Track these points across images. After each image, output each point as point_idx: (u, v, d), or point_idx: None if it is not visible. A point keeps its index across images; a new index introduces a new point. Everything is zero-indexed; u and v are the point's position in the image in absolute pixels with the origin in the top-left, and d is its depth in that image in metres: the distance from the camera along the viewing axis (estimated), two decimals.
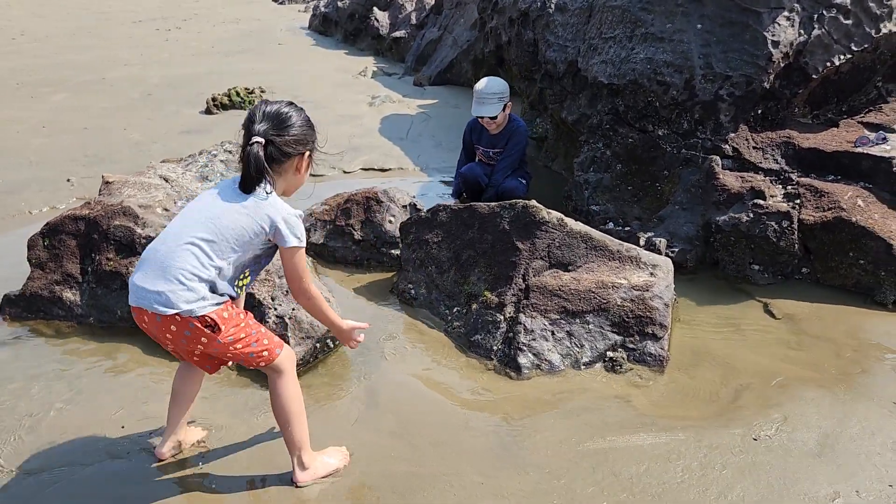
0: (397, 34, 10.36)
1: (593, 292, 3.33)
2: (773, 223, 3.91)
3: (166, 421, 2.71)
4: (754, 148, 4.32)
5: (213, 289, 2.38)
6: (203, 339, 2.36)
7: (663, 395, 3.06)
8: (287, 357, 2.57)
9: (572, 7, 5.56)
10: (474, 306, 3.47)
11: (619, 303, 3.31)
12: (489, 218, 3.61)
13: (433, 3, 10.17)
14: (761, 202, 3.98)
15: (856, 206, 3.84)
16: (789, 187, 4.12)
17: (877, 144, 4.08)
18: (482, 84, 4.88)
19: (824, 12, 4.26)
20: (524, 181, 5.19)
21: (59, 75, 9.34)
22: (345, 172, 5.99)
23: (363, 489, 2.53)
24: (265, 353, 2.49)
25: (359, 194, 4.41)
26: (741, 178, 4.21)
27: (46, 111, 7.71)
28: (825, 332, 3.50)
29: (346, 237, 4.30)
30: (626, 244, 3.52)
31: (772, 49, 4.24)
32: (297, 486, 2.54)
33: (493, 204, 3.64)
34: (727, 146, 4.33)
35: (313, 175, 5.84)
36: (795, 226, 3.89)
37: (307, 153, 2.52)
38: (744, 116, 4.37)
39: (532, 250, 3.45)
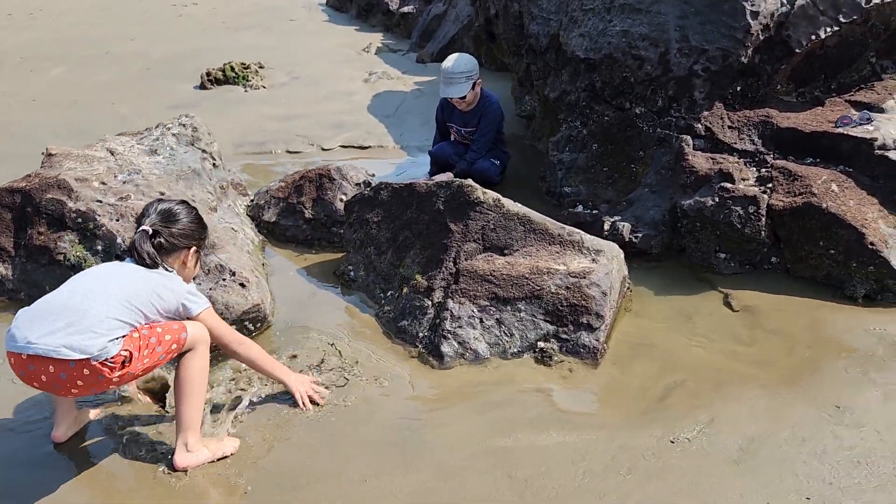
0: (405, 9, 10.13)
1: (527, 278, 3.13)
2: (738, 208, 3.64)
3: (54, 404, 2.62)
4: (730, 127, 4.04)
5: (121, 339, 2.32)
6: (115, 377, 2.29)
7: (589, 390, 2.86)
8: (197, 333, 2.49)
9: None
10: (405, 290, 3.30)
11: (553, 290, 3.10)
12: (426, 197, 3.43)
13: None
14: (728, 185, 3.72)
15: (829, 191, 3.55)
16: (763, 170, 3.84)
17: (859, 125, 3.77)
18: (449, 63, 4.69)
19: None
20: (498, 161, 4.99)
21: (64, 50, 9.36)
22: (323, 149, 5.84)
23: (242, 482, 2.40)
24: (174, 346, 2.42)
25: (312, 171, 4.26)
26: (712, 159, 3.94)
27: (42, 85, 7.72)
28: (783, 326, 3.24)
29: (298, 215, 4.16)
30: (568, 228, 3.30)
31: (750, 20, 3.94)
32: (175, 470, 2.42)
33: (430, 182, 3.46)
34: (700, 125, 4.05)
35: (289, 152, 5.78)
36: (763, 212, 3.62)
37: (194, 248, 2.65)
38: (720, 93, 4.09)
39: (465, 232, 3.26)
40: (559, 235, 3.25)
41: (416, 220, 3.43)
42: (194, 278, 2.79)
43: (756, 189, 3.72)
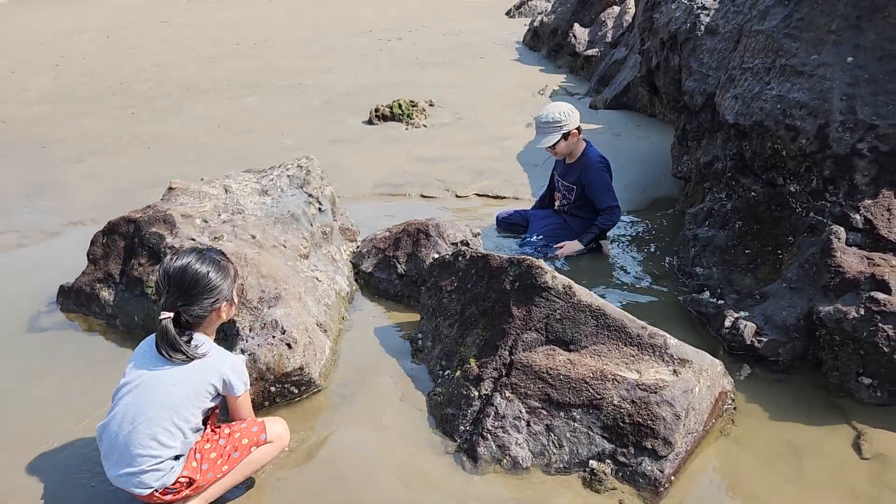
0: (589, 52, 9.78)
1: (587, 382, 2.69)
2: (888, 327, 2.91)
3: None
4: None
5: (179, 457, 2.38)
6: (187, 490, 2.37)
7: None
8: (275, 433, 2.54)
9: (723, 30, 4.72)
10: (458, 374, 2.99)
11: (615, 401, 2.64)
12: (496, 272, 3.10)
13: (632, 21, 9.43)
14: (881, 297, 2.99)
15: None
16: None
17: None
18: (541, 111, 4.49)
19: None
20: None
21: (265, 79, 10.12)
22: (457, 196, 5.68)
23: None
24: (253, 448, 2.48)
25: (413, 225, 4.09)
26: (868, 259, 3.21)
27: (232, 112, 8.36)
28: None
29: (391, 270, 4.01)
30: (651, 328, 2.81)
31: None
32: None
33: (504, 257, 3.12)
34: (858, 216, 3.33)
35: (423, 196, 5.68)
36: None
37: (225, 302, 2.50)
38: (890, 179, 3.34)
39: (527, 319, 2.88)
40: (638, 336, 2.77)
41: (483, 297, 3.12)
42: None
43: None
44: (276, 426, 2.55)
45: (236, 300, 2.60)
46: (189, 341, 2.39)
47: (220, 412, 2.61)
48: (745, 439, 2.84)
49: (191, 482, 2.34)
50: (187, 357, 2.36)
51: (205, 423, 2.48)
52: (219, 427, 2.47)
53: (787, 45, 3.86)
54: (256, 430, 2.47)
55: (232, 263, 2.58)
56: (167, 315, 2.36)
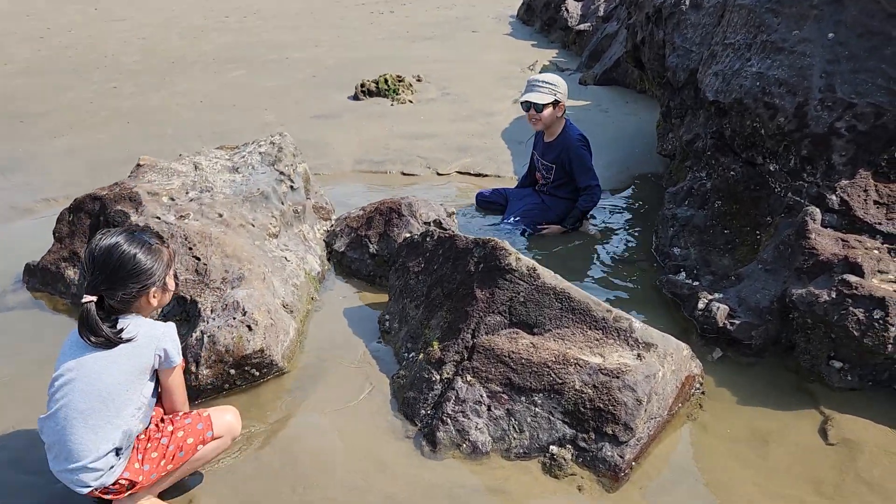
0: (581, 27, 9.63)
1: (549, 367, 2.64)
2: (858, 311, 2.85)
3: None
4: (876, 203, 3.21)
5: (120, 451, 2.25)
6: (128, 492, 2.29)
7: None
8: (224, 426, 2.42)
9: (708, 4, 4.61)
10: (421, 356, 2.94)
11: (577, 386, 2.59)
12: (462, 254, 3.03)
13: None
14: (852, 279, 2.93)
15: None
16: None
17: None
18: (537, 75, 4.49)
19: None
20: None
21: (252, 53, 9.97)
22: (438, 174, 5.59)
23: None
24: (199, 447, 2.37)
25: (385, 204, 4.02)
26: (842, 241, 3.15)
27: (216, 86, 8.23)
28: (888, 477, 2.46)
29: (363, 249, 3.94)
30: (616, 311, 2.75)
31: None
32: None
33: (470, 238, 3.06)
34: (834, 196, 3.26)
35: (404, 174, 5.59)
36: (894, 320, 2.80)
37: (154, 288, 2.34)
38: (868, 159, 3.26)
39: (490, 302, 2.82)
40: (602, 319, 2.72)
41: (449, 278, 3.06)
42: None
43: (892, 288, 2.90)
44: (225, 415, 2.43)
45: (171, 286, 2.44)
46: (114, 326, 2.26)
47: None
48: (712, 424, 2.80)
49: (132, 484, 2.24)
50: (109, 341, 2.22)
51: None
52: (162, 422, 2.36)
53: (769, 20, 3.76)
54: (202, 428, 2.34)
55: (167, 247, 2.44)
56: (89, 298, 2.23)
